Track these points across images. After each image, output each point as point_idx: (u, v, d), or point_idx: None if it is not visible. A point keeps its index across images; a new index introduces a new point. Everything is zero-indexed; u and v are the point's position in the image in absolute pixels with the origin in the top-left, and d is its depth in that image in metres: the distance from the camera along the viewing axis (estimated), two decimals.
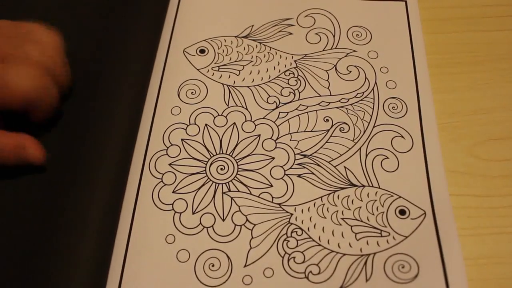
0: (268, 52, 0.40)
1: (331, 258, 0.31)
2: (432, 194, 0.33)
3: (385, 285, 0.30)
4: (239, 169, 0.35)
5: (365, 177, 0.34)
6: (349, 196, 0.34)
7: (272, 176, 0.34)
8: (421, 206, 0.33)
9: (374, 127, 0.36)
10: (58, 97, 0.35)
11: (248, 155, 0.35)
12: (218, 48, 0.41)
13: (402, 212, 0.33)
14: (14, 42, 0.33)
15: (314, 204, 0.33)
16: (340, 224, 0.33)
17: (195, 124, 0.37)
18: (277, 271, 0.31)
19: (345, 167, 0.35)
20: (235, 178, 0.34)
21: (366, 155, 0.35)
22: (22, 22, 0.36)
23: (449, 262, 0.31)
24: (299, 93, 0.38)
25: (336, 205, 0.33)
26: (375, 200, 0.33)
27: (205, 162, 0.35)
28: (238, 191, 0.34)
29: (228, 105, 0.38)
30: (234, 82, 0.39)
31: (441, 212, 0.33)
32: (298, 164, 0.35)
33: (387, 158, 0.35)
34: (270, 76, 0.39)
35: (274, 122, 0.37)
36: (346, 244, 0.32)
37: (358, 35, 0.41)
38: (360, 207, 0.33)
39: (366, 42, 0.41)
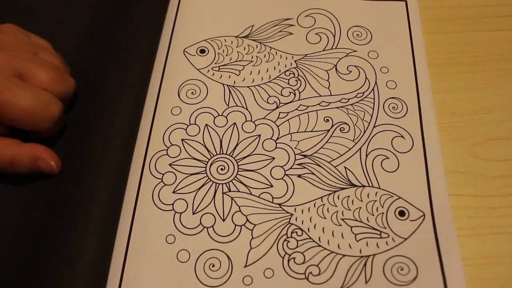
0: (268, 52, 0.40)
1: (331, 259, 0.31)
2: (431, 195, 0.33)
3: (384, 287, 0.30)
4: (239, 169, 0.35)
5: (365, 177, 0.34)
6: (349, 196, 0.34)
7: (272, 176, 0.34)
8: (420, 207, 0.33)
9: (374, 127, 0.36)
10: (62, 118, 0.35)
11: (248, 155, 0.35)
12: (218, 48, 0.41)
13: (402, 213, 0.33)
14: (25, 57, 0.34)
15: (314, 205, 0.33)
16: (340, 225, 0.33)
17: (195, 124, 0.37)
18: (277, 271, 0.31)
19: (345, 167, 0.35)
20: (235, 178, 0.34)
21: (366, 155, 0.35)
22: (31, 35, 0.37)
23: (448, 265, 0.31)
24: (299, 93, 0.38)
25: (336, 206, 0.33)
26: (375, 201, 0.33)
27: (205, 162, 0.35)
28: (238, 191, 0.34)
29: (228, 105, 0.38)
30: (234, 82, 0.39)
31: (440, 215, 0.33)
32: (298, 164, 0.35)
33: (387, 158, 0.35)
34: (270, 76, 0.39)
35: (274, 122, 0.37)
36: (346, 245, 0.32)
37: (358, 35, 0.41)
38: (360, 207, 0.33)
39: (366, 42, 0.41)
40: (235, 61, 0.40)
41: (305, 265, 0.31)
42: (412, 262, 0.31)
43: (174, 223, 0.33)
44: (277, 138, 0.36)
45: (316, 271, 0.31)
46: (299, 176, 0.34)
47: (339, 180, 0.34)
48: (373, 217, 0.33)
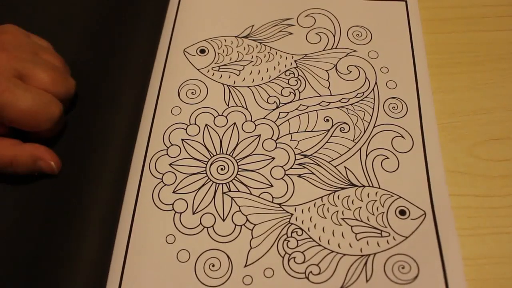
0: (268, 52, 0.40)
1: (331, 258, 0.31)
2: (432, 195, 0.33)
3: (385, 286, 0.30)
4: (239, 169, 0.35)
5: (365, 177, 0.34)
6: (349, 196, 0.34)
7: (272, 176, 0.34)
8: (421, 206, 0.33)
9: (374, 127, 0.36)
10: (62, 118, 0.35)
11: (249, 155, 0.35)
12: (218, 48, 0.41)
13: (402, 212, 0.33)
14: (27, 58, 0.34)
15: (314, 204, 0.33)
16: (340, 224, 0.33)
17: (195, 124, 0.37)
18: (277, 271, 0.31)
19: (345, 167, 0.35)
20: (235, 178, 0.34)
21: (366, 155, 0.35)
22: (31, 35, 0.37)
23: (449, 263, 0.31)
24: (299, 93, 0.38)
25: (336, 205, 0.33)
26: (375, 201, 0.33)
27: (205, 162, 0.35)
28: (239, 191, 0.34)
29: (228, 105, 0.38)
30: (234, 82, 0.39)
31: (441, 213, 0.33)
32: (298, 164, 0.35)
33: (387, 158, 0.35)
34: (270, 76, 0.39)
35: (274, 122, 0.37)
36: (346, 244, 0.32)
37: (358, 35, 0.41)
38: (360, 207, 0.33)
39: (366, 42, 0.41)
40: (235, 61, 0.40)
41: (305, 264, 0.31)
42: (413, 261, 0.31)
43: (174, 223, 0.33)
44: (277, 138, 0.36)
45: (316, 270, 0.31)
46: (299, 176, 0.34)
47: (339, 180, 0.34)
48: (374, 216, 0.33)
